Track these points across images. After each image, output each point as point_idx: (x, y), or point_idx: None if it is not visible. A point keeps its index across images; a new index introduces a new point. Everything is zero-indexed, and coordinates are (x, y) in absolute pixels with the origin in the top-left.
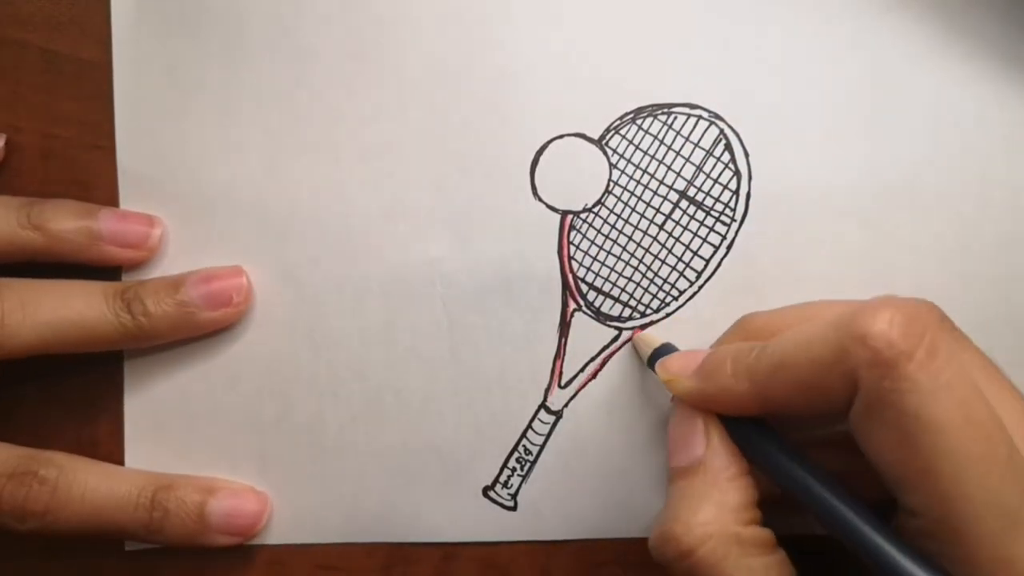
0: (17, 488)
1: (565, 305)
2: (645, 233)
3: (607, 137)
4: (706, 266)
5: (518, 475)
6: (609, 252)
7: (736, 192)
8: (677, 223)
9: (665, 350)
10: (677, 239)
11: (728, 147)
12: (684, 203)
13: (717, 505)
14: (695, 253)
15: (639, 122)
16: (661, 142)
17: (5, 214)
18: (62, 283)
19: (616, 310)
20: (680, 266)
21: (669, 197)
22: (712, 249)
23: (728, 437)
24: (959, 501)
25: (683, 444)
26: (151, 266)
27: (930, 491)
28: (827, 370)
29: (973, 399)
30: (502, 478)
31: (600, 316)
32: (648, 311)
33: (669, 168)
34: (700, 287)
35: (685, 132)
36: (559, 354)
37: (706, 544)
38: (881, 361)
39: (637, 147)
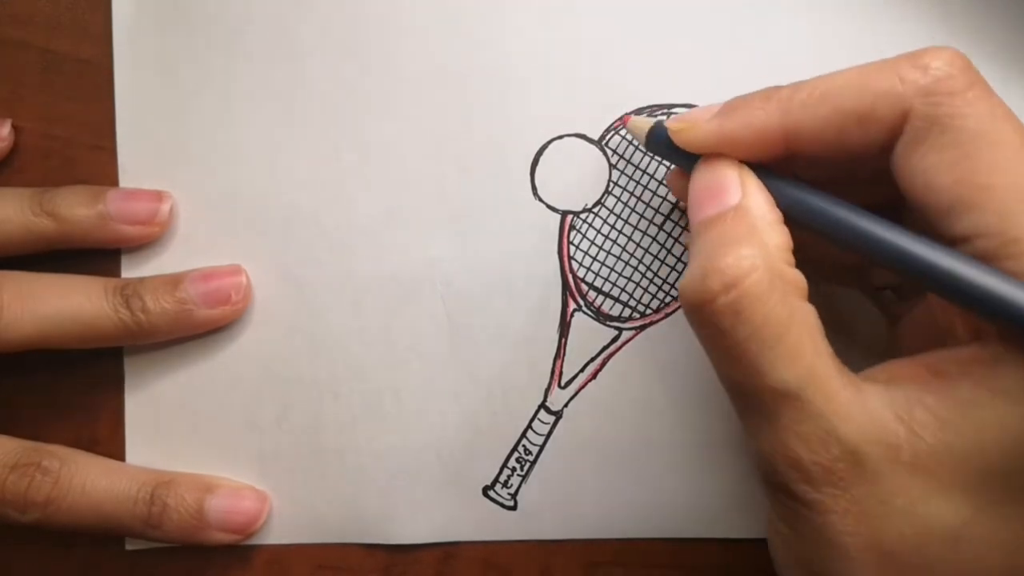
0: (20, 479)
1: (565, 305)
2: (645, 233)
3: (607, 137)
4: None
5: (518, 475)
6: (609, 252)
7: None
8: (677, 223)
9: (663, 127)
10: (677, 239)
11: None
12: (683, 203)
13: (760, 243)
14: None
15: None
16: None
17: (18, 204)
18: (62, 277)
19: (616, 310)
20: (680, 266)
21: (669, 197)
22: None
23: (764, 188)
24: (1016, 213)
25: (714, 193)
26: (151, 266)
27: (990, 206)
28: (879, 98)
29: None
30: (502, 478)
31: (600, 316)
32: (648, 311)
33: (669, 169)
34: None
35: None
36: (559, 354)
37: (753, 275)
38: (943, 88)
39: (637, 147)
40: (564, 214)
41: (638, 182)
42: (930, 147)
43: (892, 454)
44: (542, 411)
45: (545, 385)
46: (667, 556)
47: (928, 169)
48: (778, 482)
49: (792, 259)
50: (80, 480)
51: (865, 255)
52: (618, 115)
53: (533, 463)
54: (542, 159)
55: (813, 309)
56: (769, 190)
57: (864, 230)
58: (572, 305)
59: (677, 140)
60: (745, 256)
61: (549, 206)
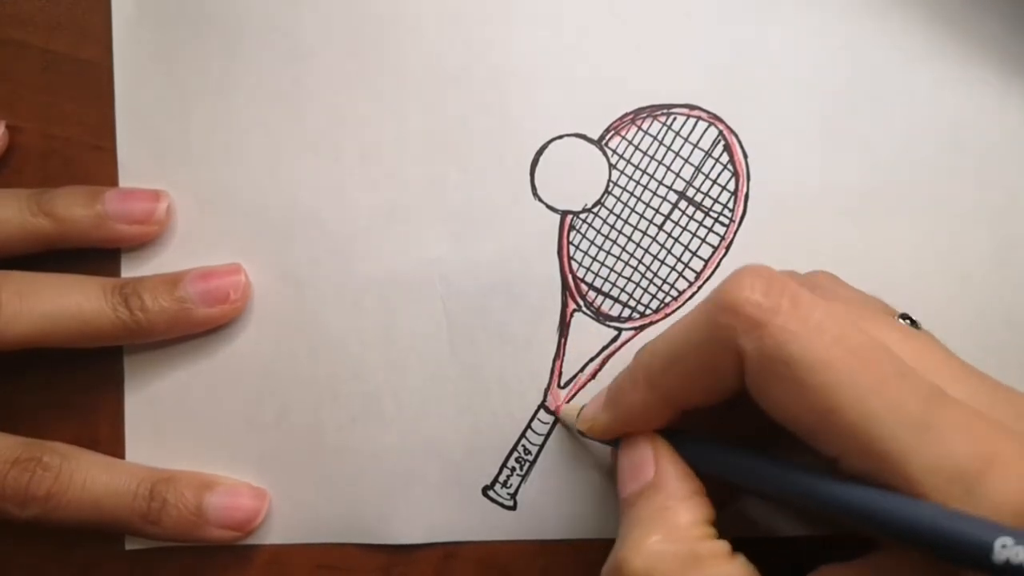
0: (20, 474)
1: (565, 305)
2: (644, 233)
3: (607, 137)
4: (705, 266)
5: (517, 475)
6: (609, 252)
7: (735, 193)
8: (676, 223)
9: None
10: (676, 239)
11: (727, 148)
12: (683, 203)
13: (670, 526)
14: (694, 254)
15: (639, 123)
16: (660, 143)
17: (16, 204)
18: (61, 276)
19: (616, 310)
20: (679, 266)
21: (668, 198)
22: (711, 249)
23: (678, 457)
24: (869, 427)
25: (632, 472)
26: (151, 265)
27: (840, 429)
28: (711, 349)
29: (847, 331)
30: (501, 478)
31: (600, 316)
32: (647, 311)
33: (668, 169)
34: (699, 287)
35: (684, 133)
36: (559, 354)
37: (659, 565)
38: (754, 323)
39: (636, 147)
40: (564, 214)
41: (638, 182)
42: (770, 381)
43: None
44: (542, 411)
45: (545, 385)
46: None
47: (777, 401)
48: None
49: (710, 531)
50: (80, 476)
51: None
52: (618, 115)
53: (533, 463)
54: (542, 159)
55: (741, 562)
56: (685, 455)
57: (765, 479)
58: (572, 305)
59: (589, 436)
60: (650, 544)
61: (549, 206)
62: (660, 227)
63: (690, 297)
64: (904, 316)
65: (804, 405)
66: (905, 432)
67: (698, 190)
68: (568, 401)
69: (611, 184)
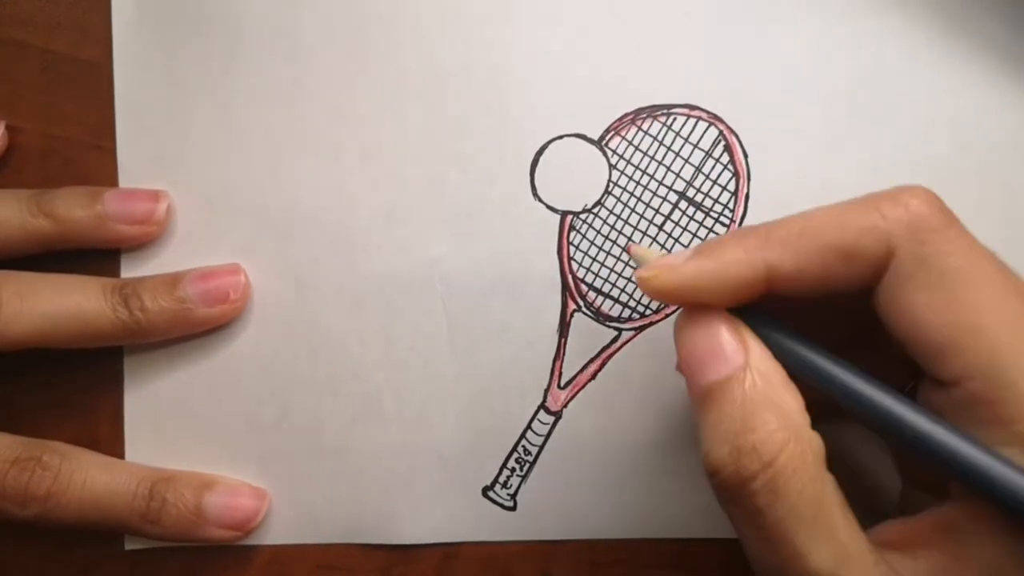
0: (20, 473)
1: (565, 305)
2: (644, 234)
3: (607, 138)
4: None
5: (517, 475)
6: (609, 252)
7: (735, 193)
8: (676, 224)
9: None
10: (676, 240)
11: (727, 148)
12: (683, 204)
13: (781, 412)
14: None
15: (639, 123)
16: (660, 143)
17: (16, 205)
18: (61, 277)
19: (616, 310)
20: None
21: (668, 198)
22: None
23: (759, 340)
24: (1007, 354)
25: (714, 355)
26: (151, 266)
27: (980, 348)
28: (863, 233)
29: (1005, 267)
30: (501, 478)
31: (600, 316)
32: (647, 311)
33: (668, 169)
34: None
35: (684, 133)
36: (559, 354)
37: (786, 449)
38: (925, 225)
39: (636, 148)
40: (564, 214)
41: (638, 182)
42: (917, 286)
43: None
44: (541, 411)
45: (545, 385)
46: (667, 556)
47: (916, 309)
48: None
49: (809, 420)
50: (80, 475)
51: (843, 405)
52: (618, 115)
53: (533, 463)
54: (542, 159)
55: (833, 478)
56: (771, 347)
57: (845, 384)
58: (572, 305)
59: (648, 288)
60: (775, 430)
61: (549, 206)
62: (660, 227)
63: None
64: None
65: (949, 318)
66: None
67: (698, 190)
68: (567, 403)
69: (611, 184)
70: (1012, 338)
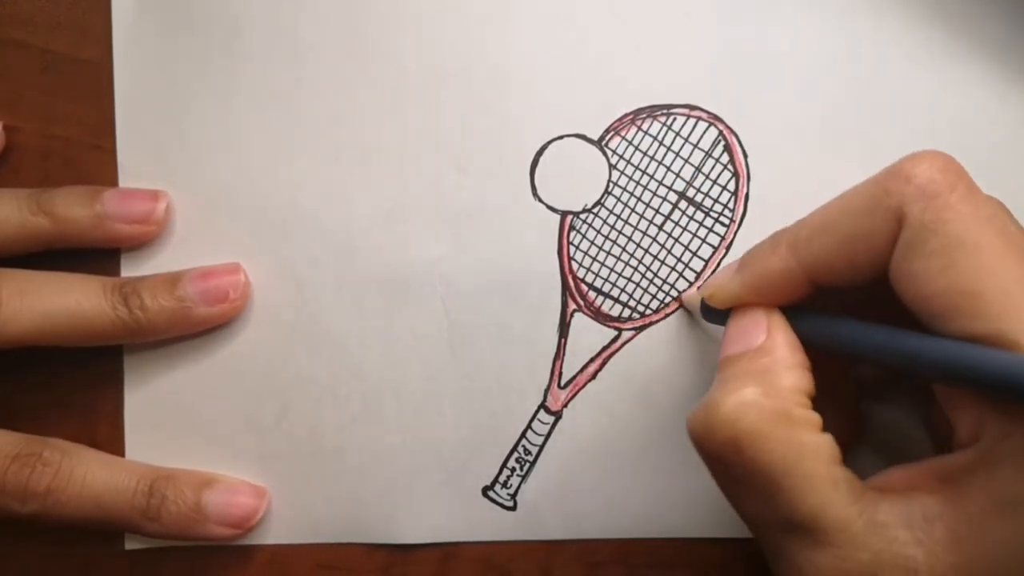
0: (21, 469)
1: (565, 305)
2: (644, 234)
3: (607, 138)
4: (705, 267)
5: (517, 475)
6: (609, 252)
7: (735, 193)
8: (676, 224)
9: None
10: (676, 240)
11: (727, 148)
12: (683, 204)
13: (770, 384)
14: (694, 254)
15: (638, 123)
16: (660, 143)
17: (15, 204)
18: (61, 275)
19: (616, 310)
20: (679, 267)
21: (668, 198)
22: (711, 250)
23: (791, 331)
24: (1006, 317)
25: (741, 334)
26: (151, 265)
27: (979, 312)
28: (872, 215)
29: (1011, 229)
30: (501, 478)
31: (600, 316)
32: (648, 311)
33: (668, 169)
34: (699, 287)
35: (684, 133)
36: (559, 354)
37: (750, 414)
38: (927, 193)
39: (636, 148)
40: (564, 214)
41: (638, 182)
42: (918, 254)
43: None
44: (542, 411)
45: (545, 385)
46: (667, 556)
47: (917, 276)
48: None
49: (806, 402)
50: (80, 472)
51: (888, 364)
52: (618, 115)
53: (533, 463)
54: (542, 159)
55: (828, 439)
56: (803, 331)
57: (878, 343)
58: (572, 305)
59: (712, 304)
60: (746, 395)
61: (549, 206)
62: (660, 227)
63: None
64: None
65: (947, 284)
66: None
67: (698, 190)
68: (567, 403)
69: (611, 184)
70: (1011, 303)
